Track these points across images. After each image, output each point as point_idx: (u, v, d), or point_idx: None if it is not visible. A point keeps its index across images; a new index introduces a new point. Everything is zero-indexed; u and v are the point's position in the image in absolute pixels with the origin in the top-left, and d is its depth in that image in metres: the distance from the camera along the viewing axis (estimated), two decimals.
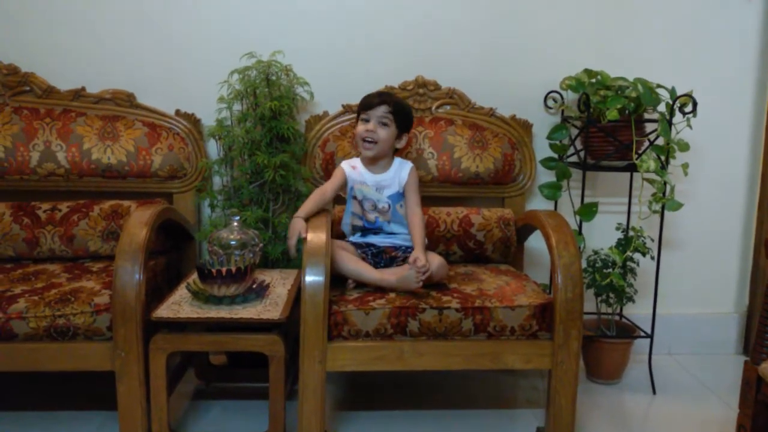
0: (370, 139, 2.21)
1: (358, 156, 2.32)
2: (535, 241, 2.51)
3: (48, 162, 2.42)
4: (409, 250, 2.21)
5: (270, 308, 1.99)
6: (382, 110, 2.20)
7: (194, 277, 2.16)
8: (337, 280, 2.10)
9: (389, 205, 2.25)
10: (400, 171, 2.28)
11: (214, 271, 1.99)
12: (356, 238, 2.29)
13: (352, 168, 2.29)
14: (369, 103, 2.22)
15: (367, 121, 2.22)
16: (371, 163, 2.27)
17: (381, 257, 2.22)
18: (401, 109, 2.25)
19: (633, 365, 2.64)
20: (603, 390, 2.52)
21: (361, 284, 2.12)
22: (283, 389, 2.00)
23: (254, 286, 2.09)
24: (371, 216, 2.26)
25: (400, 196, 2.26)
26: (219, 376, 2.47)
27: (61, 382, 2.42)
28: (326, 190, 2.27)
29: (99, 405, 2.23)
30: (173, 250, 2.48)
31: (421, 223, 2.22)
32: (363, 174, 2.27)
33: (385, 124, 2.21)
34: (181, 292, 2.11)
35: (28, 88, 2.48)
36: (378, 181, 2.26)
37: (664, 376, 2.64)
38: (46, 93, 2.49)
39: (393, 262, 2.21)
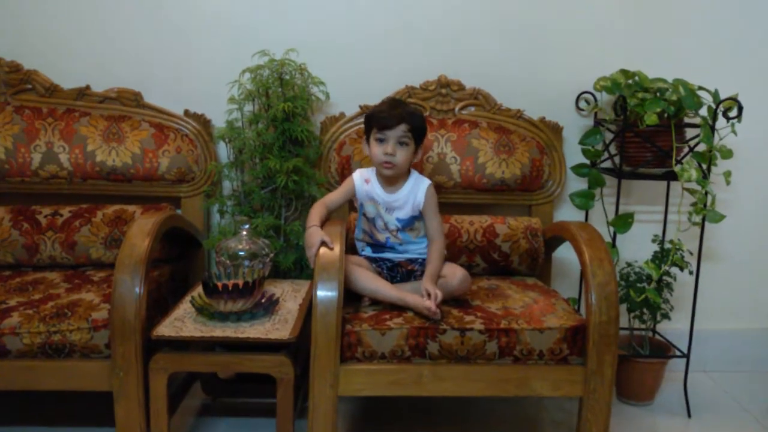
0: (389, 162, 2.03)
1: (372, 165, 2.15)
2: (563, 251, 2.36)
3: (50, 164, 2.30)
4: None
5: (279, 326, 1.85)
6: (401, 130, 2.00)
7: (199, 290, 2.03)
8: (350, 295, 1.96)
9: (398, 229, 2.09)
10: (416, 190, 2.08)
11: (220, 285, 1.86)
12: (368, 252, 2.14)
13: (365, 182, 2.11)
14: (385, 121, 2.01)
15: (383, 141, 2.02)
16: (388, 180, 2.09)
17: (397, 271, 2.08)
18: (419, 125, 2.04)
19: (666, 384, 2.48)
20: (635, 412, 2.36)
21: (376, 301, 1.98)
22: (292, 411, 1.87)
23: (263, 300, 1.96)
24: (381, 235, 2.11)
25: (412, 220, 2.09)
26: (226, 390, 2.34)
27: (60, 399, 2.30)
28: (328, 201, 2.11)
29: (100, 422, 2.11)
30: (180, 259, 2.35)
31: (441, 256, 2.04)
32: (375, 190, 2.09)
33: (404, 143, 2.02)
34: (185, 307, 1.98)
35: (30, 87, 2.37)
36: (389, 201, 2.08)
37: (699, 396, 2.48)
38: (49, 92, 2.37)
39: (411, 276, 2.07)
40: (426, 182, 2.09)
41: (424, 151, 2.30)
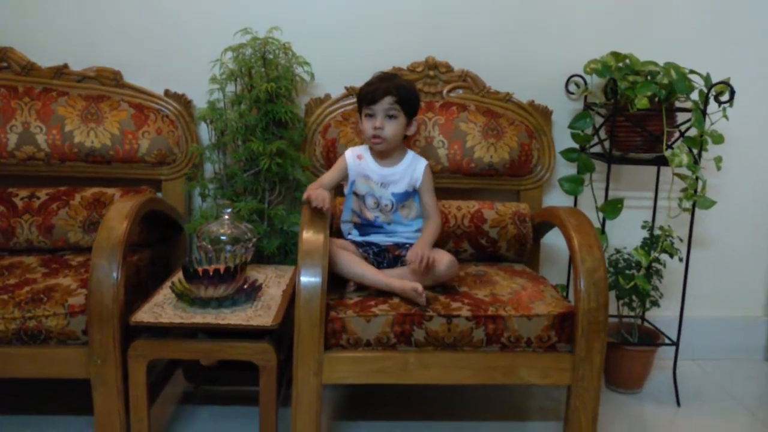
0: (378, 136, 2.00)
1: (364, 143, 2.11)
2: (551, 237, 2.32)
3: (27, 145, 2.23)
4: None
5: (261, 313, 1.80)
6: (387, 102, 1.98)
7: (180, 275, 1.98)
8: (335, 280, 1.91)
9: (392, 204, 2.05)
10: (414, 168, 2.06)
11: (200, 270, 1.81)
12: (354, 236, 2.09)
13: (357, 158, 2.07)
14: (371, 95, 1.98)
15: (372, 116, 2.00)
16: (381, 154, 2.06)
17: (383, 256, 2.04)
18: (408, 96, 2.01)
19: (655, 372, 2.47)
20: (624, 400, 2.34)
21: (361, 286, 1.93)
22: (275, 400, 1.83)
23: (245, 286, 1.91)
24: (371, 214, 2.06)
25: (407, 195, 2.06)
26: (209, 378, 2.30)
27: (37, 386, 2.24)
28: (323, 181, 2.06)
29: (78, 410, 2.06)
30: (161, 243, 2.30)
31: (436, 230, 2.04)
32: (369, 165, 2.06)
33: (392, 116, 1.99)
34: (165, 292, 1.93)
35: (5, 65, 2.29)
36: (385, 175, 2.05)
37: (688, 384, 2.46)
38: (26, 70, 2.30)
39: (397, 262, 2.02)
40: (424, 162, 2.08)
41: (418, 127, 2.26)
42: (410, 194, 2.06)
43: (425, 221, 2.08)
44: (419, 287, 1.79)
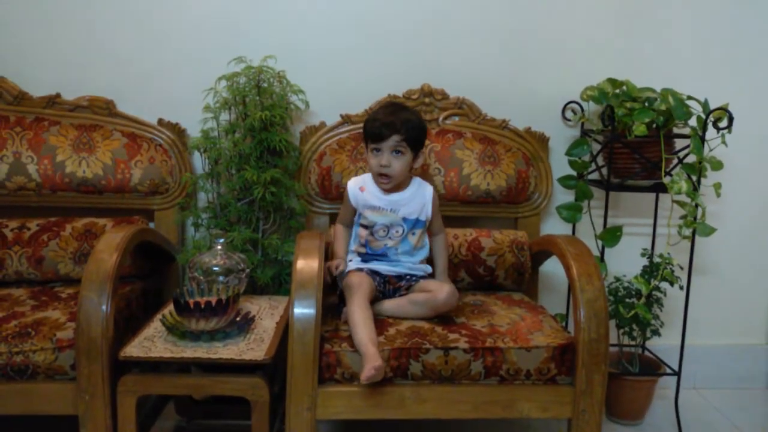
0: (385, 175, 1.98)
1: (367, 171, 2.09)
2: (550, 265, 2.29)
3: (18, 175, 2.21)
4: (413, 279, 1.99)
5: (254, 346, 1.76)
6: (394, 140, 1.94)
7: (171, 308, 1.93)
8: (329, 307, 1.87)
9: (403, 230, 2.01)
10: (422, 193, 2.04)
11: (191, 302, 1.77)
12: (356, 263, 2.05)
13: (360, 190, 2.04)
14: (378, 133, 1.95)
15: (378, 151, 1.97)
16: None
17: (384, 287, 1.99)
18: (415, 132, 1.97)
19: (656, 402, 2.42)
20: None
21: None
22: None
23: (238, 318, 1.87)
24: (380, 243, 2.02)
25: (418, 223, 2.02)
26: (201, 412, 2.23)
27: (24, 423, 2.18)
28: (343, 219, 2.10)
29: None
30: (153, 274, 2.26)
31: (447, 248, 2.12)
32: (374, 195, 2.02)
33: (399, 152, 1.96)
34: (156, 325, 1.89)
35: None
36: (393, 201, 2.01)
37: (689, 414, 2.41)
38: (17, 99, 2.28)
39: (396, 293, 1.98)
40: (430, 187, 2.08)
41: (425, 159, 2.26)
42: (422, 224, 2.03)
43: (435, 238, 2.09)
44: (378, 364, 1.66)
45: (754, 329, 2.67)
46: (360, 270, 1.99)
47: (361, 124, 2.08)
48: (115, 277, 1.76)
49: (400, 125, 1.94)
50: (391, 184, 1.99)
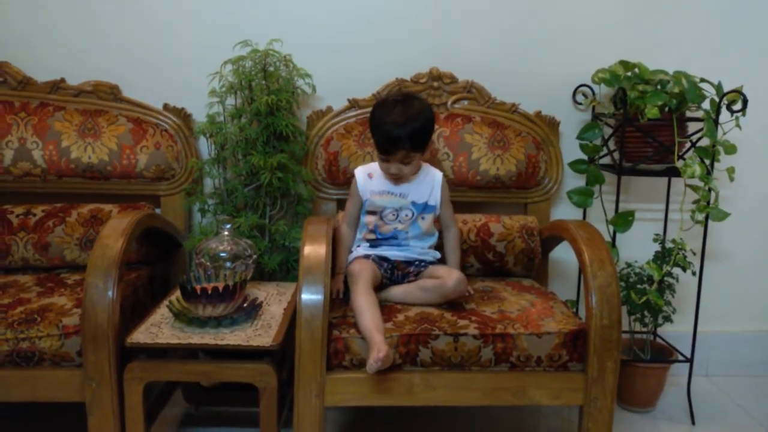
0: (396, 175, 1.98)
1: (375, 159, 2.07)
2: (560, 251, 2.26)
3: (23, 161, 2.19)
4: (422, 264, 1.97)
5: (261, 332, 1.74)
6: (401, 155, 1.92)
7: (178, 294, 1.92)
8: (336, 295, 1.85)
9: (412, 214, 1.99)
10: (431, 179, 2.02)
11: (198, 288, 1.75)
12: (364, 249, 2.02)
13: (368, 177, 2.02)
14: (384, 148, 1.92)
15: (387, 161, 1.95)
16: None
17: (393, 272, 1.97)
18: (423, 140, 1.94)
19: (668, 389, 2.39)
20: (636, 419, 2.27)
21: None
22: (276, 422, 1.76)
23: (245, 305, 1.85)
24: (389, 227, 2.00)
25: (426, 207, 2.01)
26: (209, 398, 2.23)
27: (31, 409, 2.18)
28: (349, 216, 2.05)
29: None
30: (159, 260, 2.24)
31: (459, 244, 2.08)
32: (382, 181, 2.01)
33: (408, 162, 1.95)
34: (163, 312, 1.87)
35: (1, 80, 2.25)
36: (403, 185, 2.00)
37: (702, 401, 2.38)
38: (22, 85, 2.25)
39: (405, 279, 1.96)
40: (439, 174, 2.06)
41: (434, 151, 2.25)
42: (431, 208, 2.01)
43: (446, 231, 2.07)
44: (382, 354, 1.63)
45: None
46: (366, 257, 1.96)
47: (369, 109, 2.05)
48: (121, 262, 1.74)
49: (406, 139, 1.89)
50: (403, 181, 1.99)
